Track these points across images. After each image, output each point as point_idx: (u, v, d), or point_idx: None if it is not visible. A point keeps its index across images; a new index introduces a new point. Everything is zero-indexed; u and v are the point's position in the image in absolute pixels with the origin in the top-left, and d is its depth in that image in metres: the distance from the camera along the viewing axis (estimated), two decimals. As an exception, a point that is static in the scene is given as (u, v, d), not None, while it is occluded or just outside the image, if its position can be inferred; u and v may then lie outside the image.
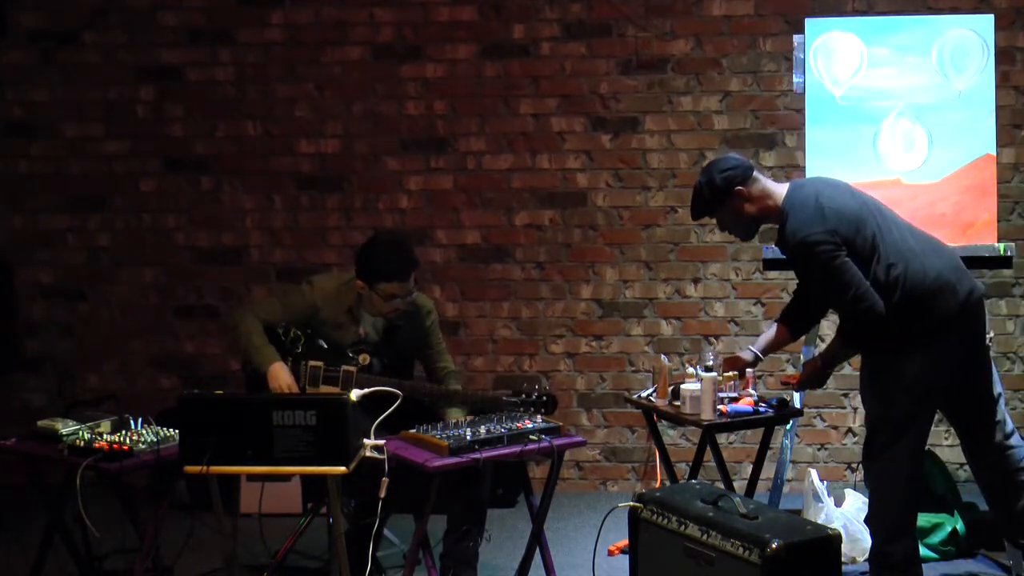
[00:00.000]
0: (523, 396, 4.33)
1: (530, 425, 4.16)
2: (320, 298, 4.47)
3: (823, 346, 5.65)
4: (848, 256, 3.91)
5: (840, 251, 3.90)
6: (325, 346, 4.46)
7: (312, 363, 4.43)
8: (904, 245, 3.99)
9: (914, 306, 3.95)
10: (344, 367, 4.40)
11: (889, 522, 4.10)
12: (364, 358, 4.46)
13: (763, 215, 4.12)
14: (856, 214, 3.97)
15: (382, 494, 3.76)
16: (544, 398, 4.33)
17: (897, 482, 4.08)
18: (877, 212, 4.04)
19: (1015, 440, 4.18)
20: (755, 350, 4.46)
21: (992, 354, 4.28)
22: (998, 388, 4.18)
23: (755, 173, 4.11)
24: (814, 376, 4.26)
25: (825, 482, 4.89)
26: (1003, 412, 4.17)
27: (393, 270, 4.35)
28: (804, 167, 5.00)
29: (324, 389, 4.37)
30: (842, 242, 3.91)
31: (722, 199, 4.11)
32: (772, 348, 4.51)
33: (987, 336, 4.17)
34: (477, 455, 3.95)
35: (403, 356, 4.59)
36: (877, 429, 4.09)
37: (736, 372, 4.44)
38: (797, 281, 4.53)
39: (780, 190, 4.09)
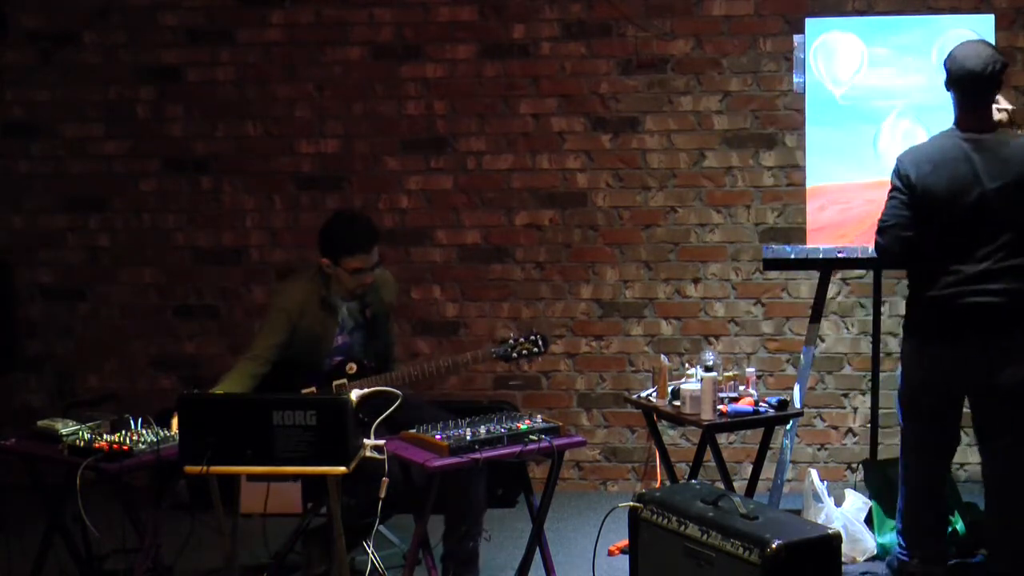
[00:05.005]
0: (511, 341, 4.32)
1: (530, 425, 4.17)
2: (295, 303, 4.48)
3: (823, 345, 5.69)
4: (910, 206, 3.98)
5: (901, 193, 4.01)
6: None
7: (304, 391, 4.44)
8: (949, 259, 3.98)
9: (914, 300, 4.05)
10: (335, 383, 4.42)
11: (902, 525, 4.15)
12: (351, 367, 4.47)
13: None
14: (945, 195, 3.96)
15: (382, 494, 3.77)
16: (534, 337, 4.31)
17: (902, 480, 4.14)
18: (970, 215, 3.97)
19: None
20: None
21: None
22: None
23: (964, 89, 4.02)
24: None
25: (825, 482, 4.89)
26: None
27: (356, 243, 4.42)
28: (804, 167, 5.01)
29: None
30: (911, 189, 3.98)
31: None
32: None
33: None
34: (477, 455, 3.96)
35: (382, 333, 4.60)
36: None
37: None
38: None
39: (953, 121, 4.07)
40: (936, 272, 3.99)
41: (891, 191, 4.07)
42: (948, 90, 4.06)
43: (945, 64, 4.05)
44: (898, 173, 4.05)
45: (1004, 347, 3.98)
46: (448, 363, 4.50)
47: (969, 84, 3.99)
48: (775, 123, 5.75)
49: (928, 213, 3.99)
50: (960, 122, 4.05)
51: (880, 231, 4.08)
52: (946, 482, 4.35)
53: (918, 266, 4.08)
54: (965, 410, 4.24)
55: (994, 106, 4.12)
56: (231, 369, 4.46)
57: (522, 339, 4.39)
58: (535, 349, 4.37)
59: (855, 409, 5.77)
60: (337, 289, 4.48)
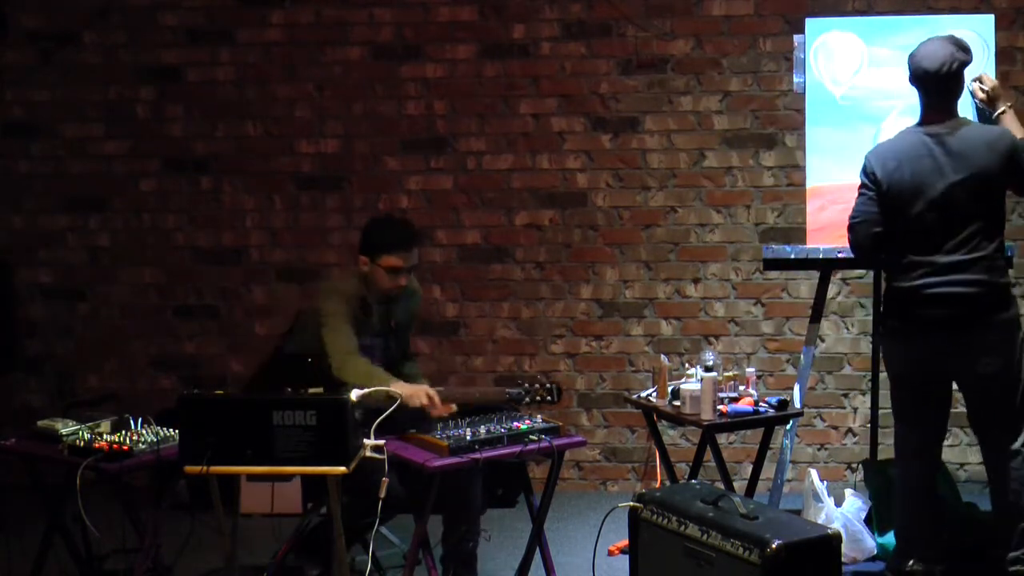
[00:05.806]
0: (526, 385, 4.34)
1: (530, 425, 4.16)
2: (346, 297, 4.45)
3: (823, 345, 5.69)
4: (878, 203, 4.07)
5: (869, 189, 4.10)
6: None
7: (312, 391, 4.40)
8: (919, 252, 4.01)
9: (887, 294, 4.12)
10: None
11: (900, 526, 4.14)
12: None
13: None
14: (910, 190, 4.01)
15: (382, 494, 3.77)
16: (549, 386, 4.35)
17: (897, 480, 4.13)
18: (936, 208, 4.00)
19: None
20: None
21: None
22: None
23: (924, 87, 4.08)
24: None
25: (825, 482, 4.89)
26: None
27: (395, 240, 4.41)
28: (804, 167, 5.00)
29: None
30: (878, 186, 4.06)
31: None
32: None
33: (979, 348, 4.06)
34: (477, 455, 3.96)
35: (400, 343, 4.63)
36: None
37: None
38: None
39: (919, 117, 4.13)
40: (908, 265, 4.04)
41: (860, 188, 4.18)
42: (913, 87, 4.13)
43: (908, 62, 4.13)
44: (865, 170, 4.15)
45: (964, 342, 3.99)
46: (457, 395, 4.52)
47: (927, 83, 4.07)
48: (775, 123, 5.75)
49: (895, 208, 4.06)
50: (923, 118, 4.13)
51: (850, 227, 4.19)
52: (937, 481, 4.35)
53: (891, 260, 4.13)
54: (955, 410, 4.25)
55: (976, 84, 4.30)
56: (348, 370, 4.23)
57: (537, 386, 4.40)
58: (548, 398, 4.39)
59: (855, 409, 5.77)
60: (373, 290, 4.47)
